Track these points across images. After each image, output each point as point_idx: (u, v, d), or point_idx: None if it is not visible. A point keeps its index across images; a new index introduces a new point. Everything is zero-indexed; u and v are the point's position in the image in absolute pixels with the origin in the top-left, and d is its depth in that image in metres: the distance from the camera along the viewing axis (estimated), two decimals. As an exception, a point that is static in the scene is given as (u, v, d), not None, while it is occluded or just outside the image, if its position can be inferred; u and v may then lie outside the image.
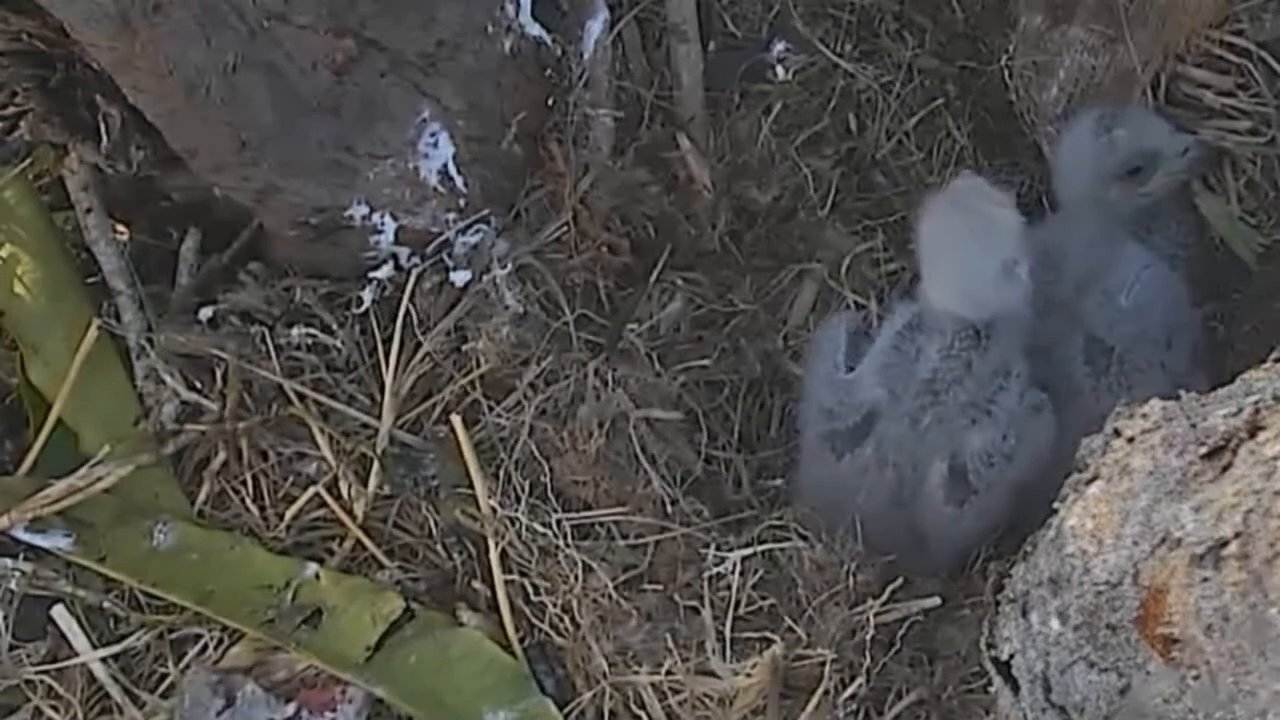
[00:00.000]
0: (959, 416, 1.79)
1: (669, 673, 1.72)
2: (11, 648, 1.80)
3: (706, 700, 1.71)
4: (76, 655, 1.79)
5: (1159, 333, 1.89)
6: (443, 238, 1.94)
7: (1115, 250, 1.92)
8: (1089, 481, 1.38)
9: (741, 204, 2.12)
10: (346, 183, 1.86)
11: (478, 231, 1.95)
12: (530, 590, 1.78)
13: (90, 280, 1.96)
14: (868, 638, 1.73)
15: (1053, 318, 1.88)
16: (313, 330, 1.90)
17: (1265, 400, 1.24)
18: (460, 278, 1.93)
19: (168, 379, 1.88)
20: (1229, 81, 2.00)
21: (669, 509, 1.84)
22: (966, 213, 1.79)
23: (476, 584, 1.82)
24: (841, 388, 1.86)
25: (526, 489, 1.83)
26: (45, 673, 1.79)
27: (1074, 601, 1.36)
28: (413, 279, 1.92)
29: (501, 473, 1.84)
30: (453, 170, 1.92)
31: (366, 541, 1.85)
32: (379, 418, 1.88)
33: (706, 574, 1.77)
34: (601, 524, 1.82)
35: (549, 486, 1.84)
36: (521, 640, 1.79)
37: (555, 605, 1.77)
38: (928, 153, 2.18)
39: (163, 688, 1.80)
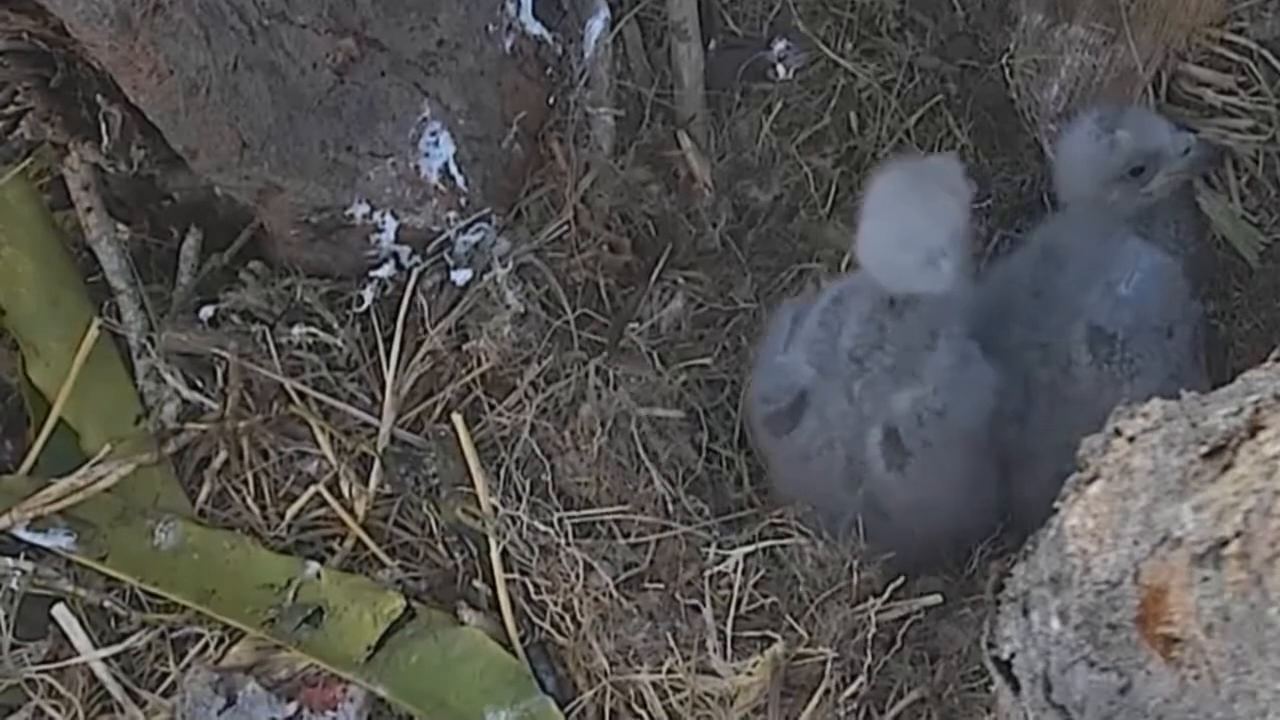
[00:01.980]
0: (886, 380, 1.79)
1: (670, 671, 1.72)
2: (12, 647, 1.80)
3: (708, 699, 1.71)
4: (77, 654, 1.79)
5: (1159, 321, 1.89)
6: (444, 237, 1.94)
7: (1118, 246, 1.92)
8: (1089, 481, 1.38)
9: (742, 203, 2.12)
10: (347, 182, 1.86)
11: (479, 230, 1.96)
12: (531, 589, 1.79)
13: (91, 280, 1.96)
14: (869, 636, 1.73)
15: (1055, 312, 1.88)
16: (314, 329, 1.90)
17: (1266, 400, 1.24)
18: (461, 276, 1.93)
19: (169, 378, 1.88)
20: (1230, 80, 2.00)
21: (670, 507, 1.84)
22: (916, 188, 1.78)
23: (477, 583, 1.82)
24: (776, 372, 1.86)
25: (527, 488, 1.83)
26: (46, 672, 1.79)
27: (1074, 601, 1.36)
28: (414, 278, 1.92)
29: (502, 471, 1.84)
30: (454, 169, 1.92)
31: (367, 540, 1.85)
32: (380, 416, 1.88)
33: (707, 572, 1.77)
34: (603, 523, 1.82)
35: (550, 485, 1.84)
36: (522, 639, 1.79)
37: (556, 604, 1.77)
38: (929, 151, 2.17)
39: (164, 687, 1.79)
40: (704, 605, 1.75)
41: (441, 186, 1.92)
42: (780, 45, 2.15)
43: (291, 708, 1.76)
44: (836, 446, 1.82)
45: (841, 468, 1.82)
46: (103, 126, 1.78)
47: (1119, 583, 1.31)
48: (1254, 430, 1.23)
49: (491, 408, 1.88)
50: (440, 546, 1.85)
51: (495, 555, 1.80)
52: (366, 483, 1.86)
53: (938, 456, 1.80)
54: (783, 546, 1.79)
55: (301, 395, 1.88)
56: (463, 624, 1.79)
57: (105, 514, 1.85)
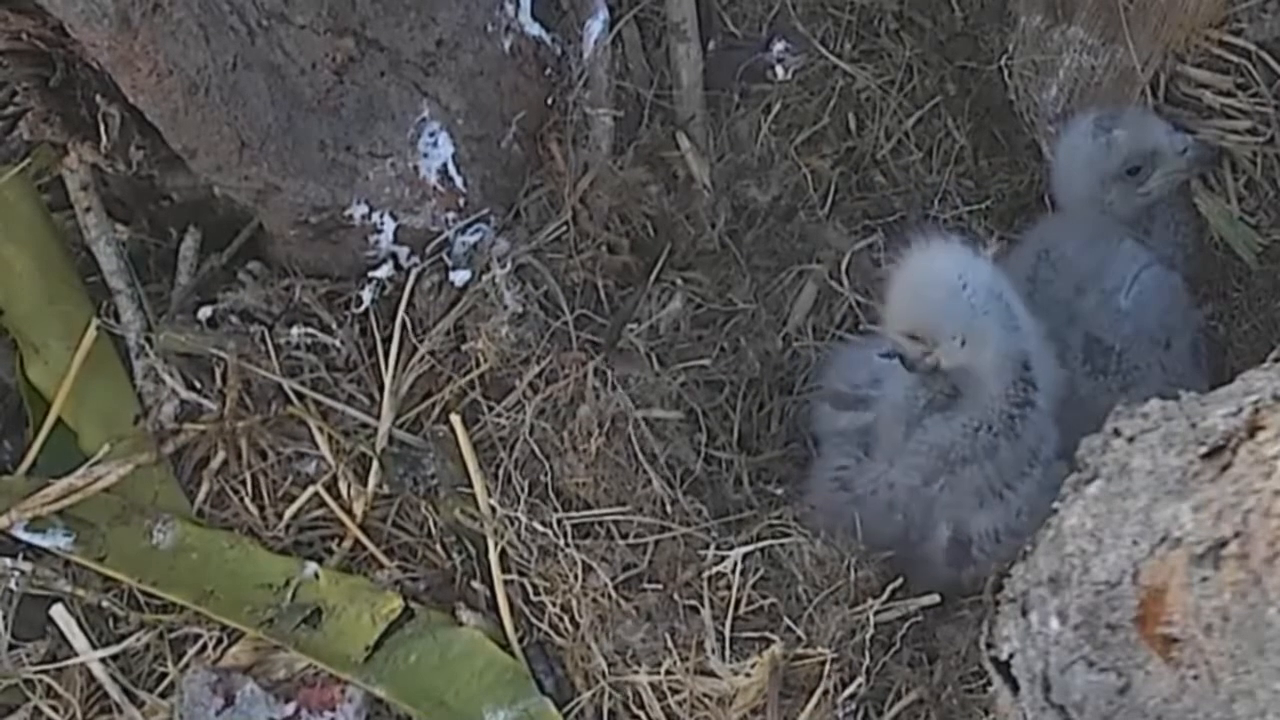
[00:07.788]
0: (970, 494, 1.79)
1: (668, 672, 1.72)
2: (11, 647, 1.80)
3: (706, 700, 1.71)
4: (76, 655, 1.79)
5: (1157, 332, 1.89)
6: (442, 237, 1.94)
7: (1113, 250, 1.93)
8: (1089, 481, 1.38)
9: (741, 203, 2.12)
10: (346, 182, 1.86)
11: (477, 231, 1.96)
12: (530, 590, 1.78)
13: (90, 280, 1.96)
14: (867, 637, 1.73)
15: (1050, 315, 1.88)
16: (312, 329, 1.90)
17: (1265, 400, 1.24)
18: (460, 277, 1.93)
19: (167, 378, 1.88)
20: (1228, 81, 2.01)
21: (669, 508, 1.83)
22: None
23: (476, 583, 1.82)
24: (861, 363, 1.87)
25: (526, 488, 1.83)
26: (44, 672, 1.79)
27: (1073, 601, 1.36)
28: (412, 278, 1.92)
29: (501, 472, 1.84)
30: (452, 169, 1.92)
31: (366, 541, 1.85)
32: (378, 417, 1.88)
33: (706, 573, 1.77)
34: (601, 523, 1.82)
35: (549, 486, 1.83)
36: (521, 640, 1.79)
37: (555, 605, 1.77)
38: (927, 152, 2.18)
39: (162, 687, 1.79)
40: (702, 606, 1.75)
41: (440, 187, 1.92)
42: (779, 46, 2.15)
43: (290, 708, 1.76)
44: (898, 516, 1.81)
45: (898, 532, 1.81)
46: (101, 126, 1.78)
47: (1118, 583, 1.31)
48: (1253, 430, 1.23)
49: (490, 408, 1.88)
50: (439, 547, 1.85)
51: (494, 556, 1.80)
52: (365, 483, 1.86)
53: (998, 563, 1.80)
54: (781, 546, 1.79)
55: (300, 396, 1.88)
56: (461, 624, 1.79)
57: (104, 514, 1.85)
